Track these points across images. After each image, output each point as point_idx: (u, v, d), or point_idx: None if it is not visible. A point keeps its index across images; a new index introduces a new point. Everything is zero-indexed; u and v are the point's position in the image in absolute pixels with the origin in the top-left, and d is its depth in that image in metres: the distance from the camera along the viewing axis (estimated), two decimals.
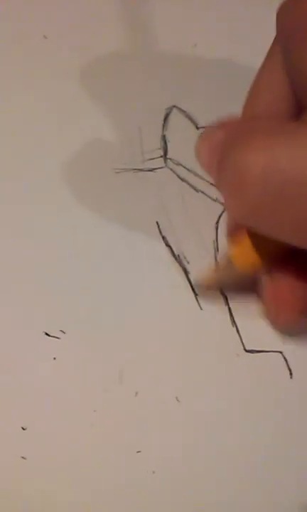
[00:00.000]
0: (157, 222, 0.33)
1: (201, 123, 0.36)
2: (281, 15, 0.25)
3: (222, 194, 0.23)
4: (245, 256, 0.27)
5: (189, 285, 0.31)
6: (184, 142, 0.35)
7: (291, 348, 0.31)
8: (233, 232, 0.30)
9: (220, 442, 0.29)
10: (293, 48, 0.24)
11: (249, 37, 0.38)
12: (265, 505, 0.28)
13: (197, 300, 0.31)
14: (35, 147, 0.34)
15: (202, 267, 0.32)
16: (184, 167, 0.34)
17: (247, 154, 0.21)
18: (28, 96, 0.35)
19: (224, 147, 0.23)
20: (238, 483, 0.28)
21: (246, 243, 0.27)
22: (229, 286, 0.31)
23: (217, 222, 0.33)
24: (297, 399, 0.30)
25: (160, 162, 0.34)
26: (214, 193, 0.34)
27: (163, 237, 0.33)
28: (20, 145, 0.34)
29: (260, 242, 0.26)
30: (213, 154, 0.24)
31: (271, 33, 0.27)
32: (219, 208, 0.33)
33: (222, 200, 0.33)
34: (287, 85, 0.26)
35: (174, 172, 0.34)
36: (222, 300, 0.31)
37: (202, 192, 0.34)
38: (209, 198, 0.34)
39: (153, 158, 0.34)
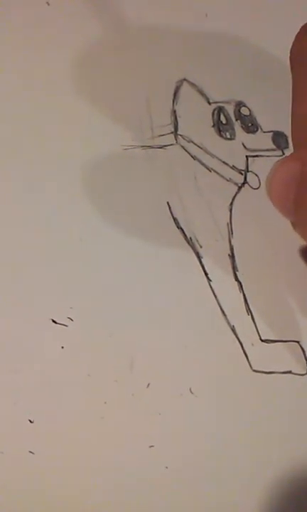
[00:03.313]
0: (168, 203, 0.31)
1: (213, 97, 0.34)
2: None
3: (301, 236, 0.21)
4: None
5: (202, 271, 0.30)
6: (195, 118, 0.33)
7: None
8: None
9: (236, 437, 0.28)
10: None
11: (264, 6, 0.36)
12: (278, 502, 0.27)
13: (210, 285, 0.30)
14: (39, 124, 0.32)
15: (215, 251, 0.30)
16: (196, 144, 0.32)
17: None
18: (31, 68, 0.33)
19: (303, 183, 0.20)
20: (255, 479, 0.27)
21: None
22: None
23: (231, 204, 0.31)
24: None
25: (170, 139, 0.33)
26: (227, 172, 0.32)
27: (174, 219, 0.31)
28: (24, 122, 0.32)
29: None
30: (288, 190, 0.21)
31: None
32: (234, 189, 0.32)
33: (237, 181, 0.32)
34: None
35: (185, 150, 0.32)
36: (237, 287, 0.30)
37: (215, 171, 0.32)
38: (223, 177, 0.32)
39: (163, 135, 0.33)
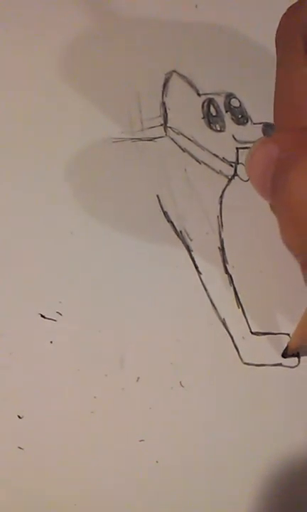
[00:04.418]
0: (157, 196, 0.31)
1: (203, 89, 0.33)
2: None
3: (277, 219, 0.21)
4: None
5: (192, 264, 0.30)
6: (185, 110, 0.33)
7: None
8: None
9: (227, 430, 0.27)
10: None
11: None
12: (269, 495, 0.27)
13: (200, 279, 0.30)
14: (28, 117, 0.32)
15: (206, 244, 0.30)
16: (186, 137, 0.32)
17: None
18: (19, 61, 0.33)
19: (280, 166, 0.20)
20: (246, 471, 0.27)
21: None
22: None
23: (221, 197, 0.31)
24: (304, 384, 0.29)
25: (160, 131, 0.32)
26: (218, 164, 0.32)
27: (165, 213, 0.31)
28: (12, 117, 0.32)
29: None
30: (266, 172, 0.21)
31: None
32: (224, 181, 0.32)
33: (227, 173, 0.32)
34: None
35: (175, 142, 0.32)
36: (227, 280, 0.30)
37: (206, 163, 0.32)
38: (213, 170, 0.32)
39: (153, 127, 0.32)
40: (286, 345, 0.29)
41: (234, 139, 0.32)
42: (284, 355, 0.28)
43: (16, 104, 0.32)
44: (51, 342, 0.28)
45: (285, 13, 0.24)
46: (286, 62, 0.24)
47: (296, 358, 0.29)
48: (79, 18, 0.34)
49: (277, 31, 0.24)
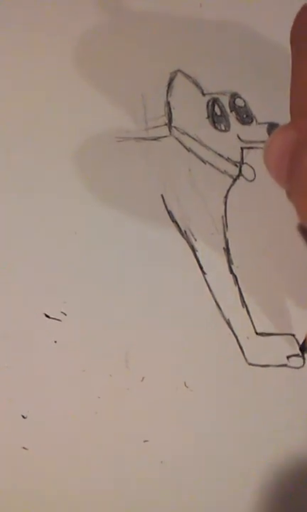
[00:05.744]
0: (162, 196, 0.31)
1: (207, 89, 0.33)
2: None
3: (293, 204, 0.21)
4: None
5: (197, 264, 0.30)
6: (190, 109, 0.33)
7: (304, 330, 0.29)
8: None
9: (232, 431, 0.27)
10: None
11: None
12: (273, 495, 0.27)
13: (205, 279, 0.30)
14: (33, 116, 0.32)
15: (210, 244, 0.30)
16: (190, 136, 0.32)
17: None
18: (25, 61, 0.33)
19: (298, 151, 0.20)
20: (250, 472, 0.27)
21: None
22: None
23: (226, 197, 0.31)
24: None
25: (164, 130, 0.32)
26: (222, 164, 0.32)
27: (169, 212, 0.31)
28: (18, 116, 0.31)
29: None
30: (284, 157, 0.21)
31: None
32: (228, 181, 0.31)
33: (231, 173, 0.32)
34: None
35: (180, 141, 0.32)
36: (232, 280, 0.30)
37: (210, 163, 0.32)
38: (218, 170, 0.32)
39: (158, 126, 0.32)
40: (295, 342, 0.29)
41: (239, 138, 0.32)
42: (302, 348, 0.28)
43: (19, 103, 0.32)
44: (55, 342, 0.28)
45: (300, 10, 0.24)
46: (303, 55, 0.24)
47: (302, 359, 0.29)
48: (82, 17, 0.34)
49: (293, 26, 0.25)
